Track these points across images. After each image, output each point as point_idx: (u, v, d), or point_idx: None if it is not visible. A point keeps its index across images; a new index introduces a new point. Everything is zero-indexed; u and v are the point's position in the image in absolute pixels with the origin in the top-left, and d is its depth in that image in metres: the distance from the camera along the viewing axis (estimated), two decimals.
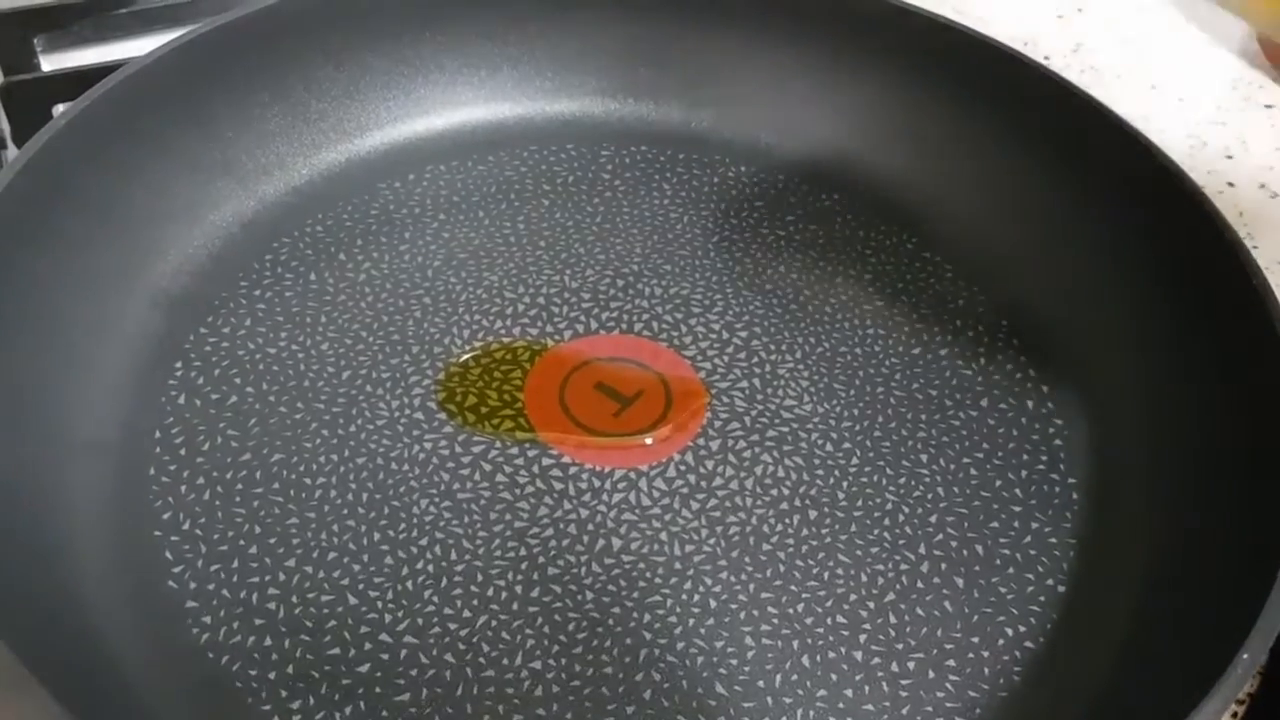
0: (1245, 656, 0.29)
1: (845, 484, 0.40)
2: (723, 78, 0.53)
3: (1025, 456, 0.41)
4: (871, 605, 0.37)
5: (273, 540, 0.37)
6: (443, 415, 0.41)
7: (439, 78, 0.52)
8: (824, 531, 0.38)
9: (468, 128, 0.52)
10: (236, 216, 0.47)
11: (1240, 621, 0.30)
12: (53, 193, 0.41)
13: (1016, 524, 0.39)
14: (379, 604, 0.36)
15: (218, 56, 0.47)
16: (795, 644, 0.36)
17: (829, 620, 0.36)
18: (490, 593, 0.37)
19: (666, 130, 0.53)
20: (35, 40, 0.55)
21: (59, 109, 0.51)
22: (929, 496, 0.40)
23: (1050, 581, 0.38)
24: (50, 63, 0.57)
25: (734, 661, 0.35)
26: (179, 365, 0.42)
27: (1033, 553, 0.38)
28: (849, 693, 0.35)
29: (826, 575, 0.37)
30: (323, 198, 0.49)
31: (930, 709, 0.35)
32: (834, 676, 0.35)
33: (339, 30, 0.50)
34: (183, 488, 0.39)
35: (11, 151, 0.51)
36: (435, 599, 0.36)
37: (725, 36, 0.53)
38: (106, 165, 0.43)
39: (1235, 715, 0.35)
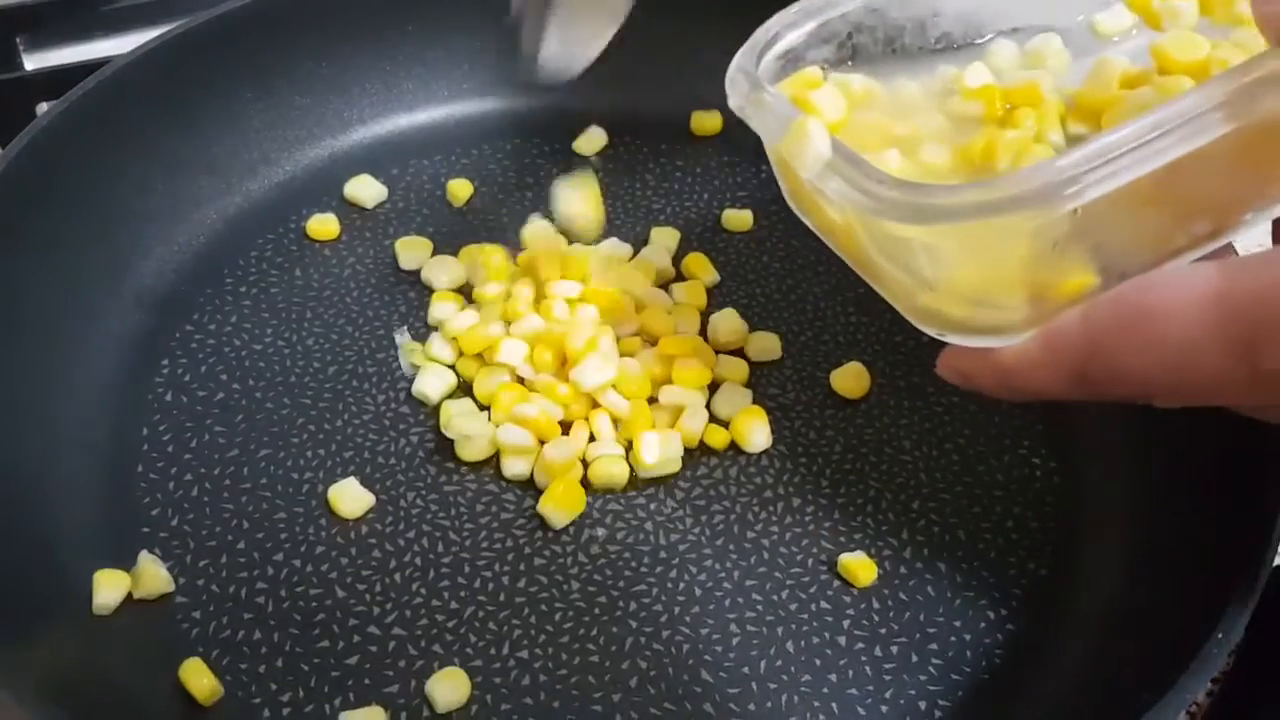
0: (1220, 636, 0.30)
1: (828, 471, 0.40)
2: (704, 68, 0.53)
3: (1007, 441, 0.41)
4: (855, 591, 0.37)
5: (260, 535, 0.38)
6: (427, 409, 0.42)
7: (422, 72, 0.52)
8: (807, 519, 0.39)
9: (451, 121, 0.52)
10: (220, 213, 0.48)
11: (1216, 602, 0.31)
12: (36, 192, 0.41)
13: (999, 509, 0.40)
14: (367, 597, 0.36)
15: (200, 53, 0.47)
16: (779, 630, 0.36)
17: (813, 606, 0.37)
18: (477, 584, 0.37)
19: (651, 121, 0.53)
20: (18, 39, 0.55)
21: (42, 108, 0.51)
22: (912, 483, 0.40)
23: (1032, 565, 0.38)
24: (33, 61, 0.57)
25: (719, 648, 0.36)
26: (165, 363, 0.43)
27: (1015, 537, 0.39)
28: (833, 677, 0.35)
29: (810, 562, 0.38)
30: (307, 193, 0.49)
31: (913, 692, 0.35)
32: (818, 662, 0.36)
33: (321, 25, 0.50)
34: (171, 484, 0.39)
35: None
36: (423, 591, 0.37)
37: (707, 26, 0.53)
38: (90, 164, 0.44)
39: (1211, 694, 0.35)
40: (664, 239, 0.47)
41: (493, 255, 0.44)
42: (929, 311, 0.31)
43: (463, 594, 0.37)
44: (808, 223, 0.35)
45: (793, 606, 0.37)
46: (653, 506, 0.39)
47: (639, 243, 0.47)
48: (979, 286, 0.29)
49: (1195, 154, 0.26)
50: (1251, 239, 0.33)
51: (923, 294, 0.30)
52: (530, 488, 0.39)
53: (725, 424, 0.41)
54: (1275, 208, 0.29)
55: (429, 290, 0.45)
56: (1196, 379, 0.26)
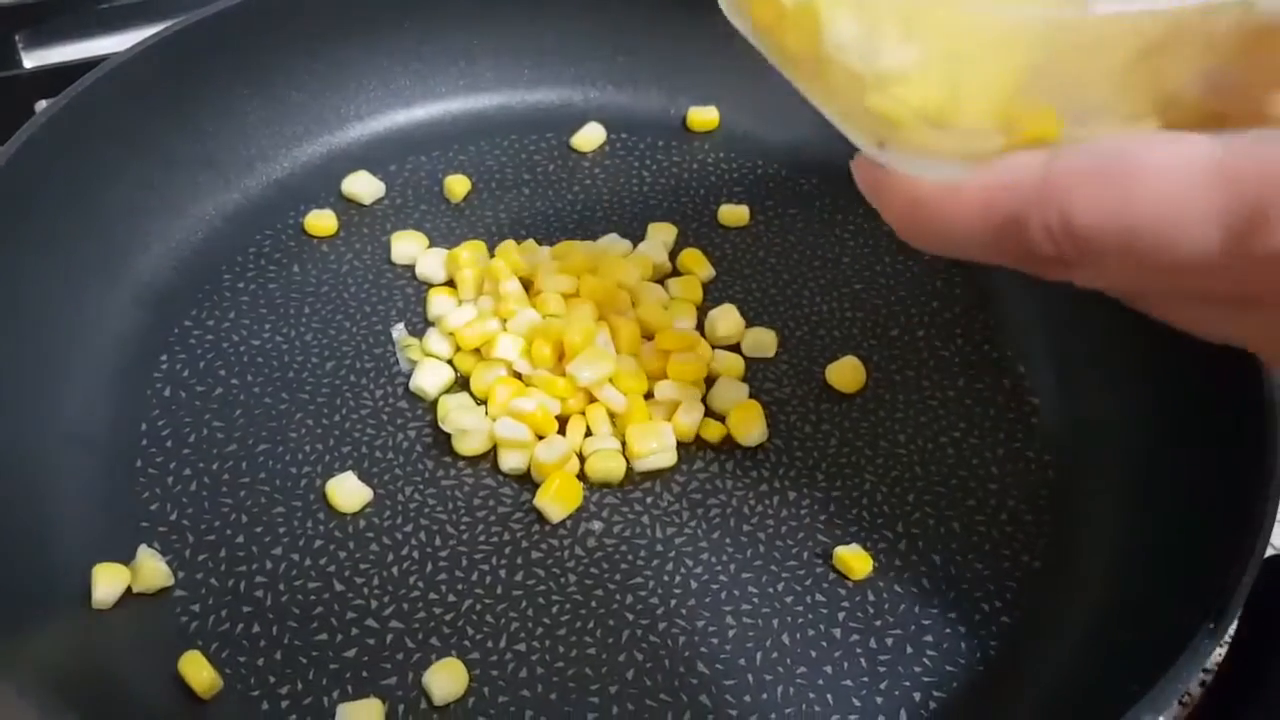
0: (1211, 627, 0.30)
1: (824, 465, 0.40)
2: (700, 64, 0.53)
3: (1001, 435, 0.42)
4: (850, 583, 0.37)
5: (259, 529, 0.38)
6: (425, 403, 0.42)
7: (418, 68, 0.52)
8: (803, 512, 0.39)
9: (448, 118, 0.53)
10: (218, 210, 0.48)
11: (1207, 594, 0.31)
12: (35, 189, 0.42)
13: (993, 501, 0.40)
14: (365, 590, 0.37)
15: (197, 51, 0.47)
16: (775, 622, 0.36)
17: (808, 599, 0.37)
18: (475, 577, 0.37)
19: (646, 117, 0.53)
20: (16, 38, 0.55)
21: (41, 105, 0.52)
22: (906, 476, 0.40)
23: (1025, 558, 0.38)
24: (31, 60, 0.57)
25: (715, 640, 0.36)
26: (164, 358, 0.43)
27: (1008, 530, 0.39)
28: (828, 669, 0.35)
29: (805, 555, 0.38)
30: (304, 189, 0.49)
31: (908, 684, 0.35)
32: (813, 653, 0.36)
33: (318, 22, 0.50)
34: (170, 479, 0.39)
35: None
36: (420, 584, 0.37)
37: (702, 22, 0.52)
38: (88, 161, 0.44)
39: (1203, 684, 0.35)
40: (661, 234, 0.47)
41: (465, 268, 0.44)
42: (872, 115, 0.26)
43: (460, 587, 0.37)
44: (739, 24, 0.31)
45: (788, 599, 0.37)
46: (649, 500, 0.39)
47: (636, 238, 0.47)
48: (946, 92, 0.25)
49: (1206, 28, 0.24)
50: None
51: (873, 93, 0.26)
52: (527, 481, 0.39)
53: (721, 418, 0.41)
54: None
55: (426, 286, 0.45)
56: (1166, 251, 0.23)
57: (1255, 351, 0.26)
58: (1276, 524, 0.33)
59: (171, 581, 0.36)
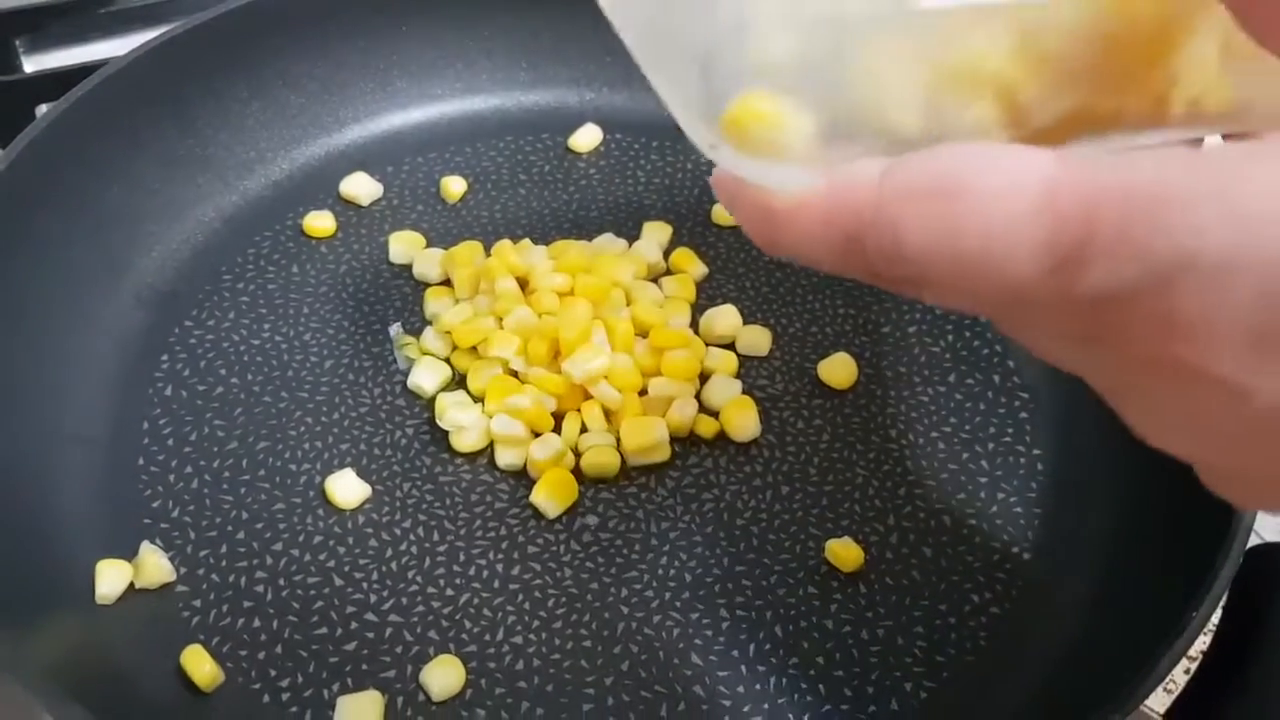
0: (1194, 615, 0.31)
1: (816, 459, 0.41)
2: None
3: (992, 429, 0.42)
4: (842, 576, 0.38)
5: (260, 526, 0.39)
6: (422, 401, 0.42)
7: (416, 70, 0.53)
8: (795, 506, 0.40)
9: (444, 120, 0.53)
10: (218, 212, 0.48)
11: (1191, 584, 0.32)
12: (37, 192, 0.42)
13: (983, 495, 0.40)
14: (364, 584, 0.37)
15: (196, 54, 0.48)
16: (768, 615, 0.37)
17: (800, 591, 0.37)
18: (472, 571, 0.38)
19: (640, 118, 0.54)
20: (17, 42, 0.56)
21: (41, 109, 0.52)
22: (898, 470, 0.41)
23: (1015, 549, 0.39)
24: (32, 64, 0.58)
25: (709, 633, 0.36)
26: (165, 358, 0.43)
27: (999, 522, 0.40)
28: (820, 660, 0.36)
29: (798, 548, 0.39)
30: (302, 191, 0.50)
31: (899, 674, 0.36)
32: (805, 645, 0.36)
33: (316, 26, 0.51)
34: (171, 477, 0.40)
35: None
36: (419, 579, 0.37)
37: None
38: (89, 164, 0.44)
39: (1187, 672, 0.36)
40: (656, 233, 0.48)
41: (462, 267, 0.45)
42: (710, 113, 0.23)
43: (458, 581, 0.37)
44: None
45: (781, 591, 0.37)
46: (644, 495, 0.40)
47: (631, 237, 0.48)
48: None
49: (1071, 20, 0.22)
50: None
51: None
52: (524, 477, 0.40)
53: (715, 414, 0.42)
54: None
55: (423, 285, 0.46)
56: (991, 282, 0.21)
57: (1098, 391, 0.23)
58: (1259, 516, 0.33)
59: (174, 577, 0.37)
